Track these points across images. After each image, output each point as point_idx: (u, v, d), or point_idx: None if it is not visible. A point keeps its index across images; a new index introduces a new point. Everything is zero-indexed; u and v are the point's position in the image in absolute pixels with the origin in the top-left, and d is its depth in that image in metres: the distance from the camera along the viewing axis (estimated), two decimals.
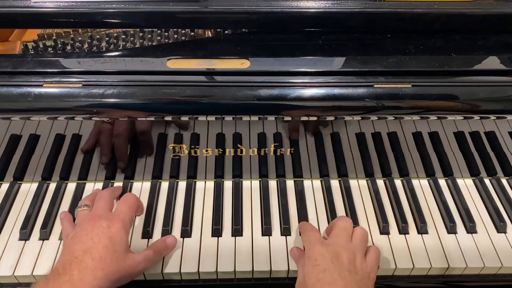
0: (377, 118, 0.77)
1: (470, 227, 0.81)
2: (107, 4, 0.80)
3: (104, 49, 0.87)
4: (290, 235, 0.79)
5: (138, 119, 0.76)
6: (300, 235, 0.77)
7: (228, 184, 0.88)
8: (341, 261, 0.66)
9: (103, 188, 0.86)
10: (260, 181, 0.88)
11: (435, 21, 0.84)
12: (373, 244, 0.78)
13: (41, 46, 0.87)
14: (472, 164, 0.88)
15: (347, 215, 0.83)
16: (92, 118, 0.75)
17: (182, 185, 0.87)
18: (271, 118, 0.77)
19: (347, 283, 0.63)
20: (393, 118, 0.77)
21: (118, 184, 0.87)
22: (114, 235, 0.68)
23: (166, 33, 0.90)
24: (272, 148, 0.84)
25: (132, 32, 0.90)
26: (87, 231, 0.68)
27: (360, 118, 0.77)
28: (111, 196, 0.77)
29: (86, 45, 0.87)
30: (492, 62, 0.80)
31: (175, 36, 0.90)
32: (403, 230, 0.80)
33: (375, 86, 0.74)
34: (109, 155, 0.83)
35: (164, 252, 0.74)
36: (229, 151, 0.84)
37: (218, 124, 0.81)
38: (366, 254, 0.70)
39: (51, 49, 0.87)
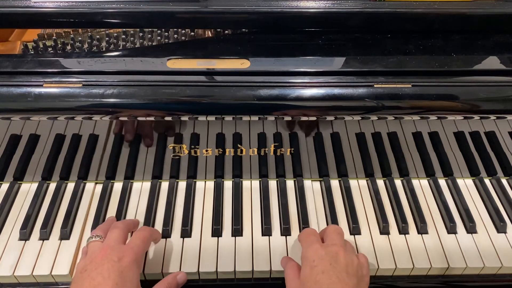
0: (377, 118, 0.77)
1: (470, 227, 0.81)
2: (107, 4, 0.80)
3: (104, 49, 0.87)
4: (290, 235, 0.79)
5: (138, 119, 0.76)
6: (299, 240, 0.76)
7: (228, 184, 0.88)
8: (340, 263, 0.65)
9: (103, 188, 0.86)
10: (260, 181, 0.88)
11: (435, 21, 0.84)
12: (373, 244, 0.78)
13: (41, 46, 0.87)
14: (472, 164, 0.88)
15: (347, 215, 0.83)
16: (92, 118, 0.75)
17: (182, 185, 0.87)
18: (271, 118, 0.77)
19: (345, 286, 0.62)
20: (393, 118, 0.77)
21: (118, 184, 0.87)
22: (125, 270, 0.63)
23: (166, 33, 0.90)
24: (272, 148, 0.84)
25: (132, 32, 0.90)
26: (97, 264, 0.63)
27: (360, 118, 0.77)
28: (126, 228, 0.72)
29: (86, 45, 0.87)
30: (492, 62, 0.80)
31: (175, 36, 0.90)
32: (403, 230, 0.80)
33: (375, 86, 0.74)
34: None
35: None
36: (229, 151, 0.84)
37: (218, 124, 0.81)
38: (358, 258, 0.70)
39: (51, 49, 0.87)
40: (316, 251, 0.67)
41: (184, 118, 0.76)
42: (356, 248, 0.77)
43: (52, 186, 0.86)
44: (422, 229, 0.80)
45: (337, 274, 0.63)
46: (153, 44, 0.89)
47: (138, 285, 0.65)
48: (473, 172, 0.89)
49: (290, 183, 0.88)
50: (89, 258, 0.66)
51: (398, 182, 0.89)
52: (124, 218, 0.82)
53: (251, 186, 0.88)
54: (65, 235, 0.78)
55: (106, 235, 0.70)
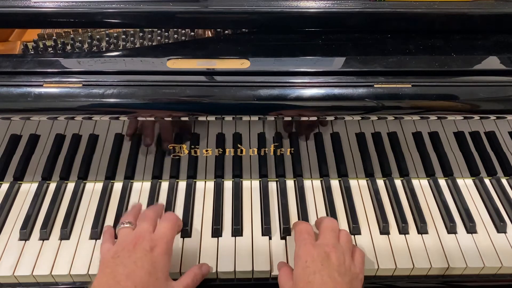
0: (377, 118, 0.77)
1: (470, 227, 0.81)
2: (107, 4, 0.80)
3: (104, 49, 0.87)
4: (290, 235, 0.79)
5: (138, 119, 0.76)
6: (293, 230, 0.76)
7: (228, 184, 0.88)
8: (331, 263, 0.66)
9: (103, 188, 0.86)
10: (260, 181, 0.88)
11: (435, 21, 0.84)
12: (373, 244, 0.78)
13: (41, 46, 0.87)
14: (472, 164, 0.88)
15: (347, 215, 0.83)
16: (92, 118, 0.75)
17: (182, 185, 0.87)
18: (271, 118, 0.77)
19: (337, 285, 0.63)
20: (393, 118, 0.77)
21: (118, 184, 0.87)
22: (157, 259, 0.65)
23: (166, 33, 0.90)
24: (272, 148, 0.84)
25: (132, 32, 0.90)
26: (129, 252, 0.65)
27: (360, 118, 0.77)
28: (155, 216, 0.73)
29: (86, 45, 0.87)
30: (492, 62, 0.80)
31: (175, 36, 0.90)
32: (403, 230, 0.80)
33: (375, 86, 0.74)
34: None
35: (200, 279, 0.71)
36: (229, 151, 0.84)
37: (218, 124, 0.81)
38: (352, 256, 0.70)
39: (51, 49, 0.87)
40: (308, 252, 0.67)
41: (184, 118, 0.76)
42: None
43: (52, 186, 0.86)
44: (422, 229, 0.80)
45: (329, 274, 0.64)
46: (153, 44, 0.89)
47: (167, 275, 0.67)
48: (473, 172, 0.89)
49: (290, 183, 0.88)
50: (121, 245, 0.67)
51: (398, 182, 0.89)
52: None
53: (251, 186, 0.88)
54: (65, 235, 0.78)
55: (135, 221, 0.72)
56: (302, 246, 0.69)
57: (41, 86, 0.72)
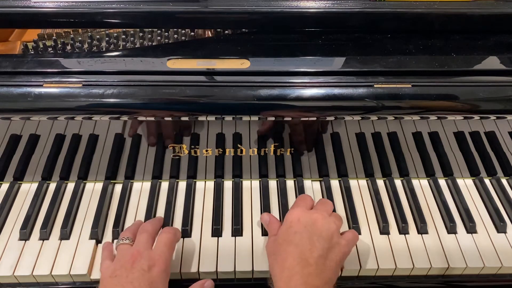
0: (377, 118, 0.77)
1: (470, 227, 0.81)
2: (107, 4, 0.79)
3: (104, 49, 0.87)
4: None
5: (138, 119, 0.76)
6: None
7: (228, 184, 0.88)
8: (314, 227, 0.68)
9: (103, 188, 0.86)
10: (260, 181, 0.88)
11: (435, 21, 0.84)
12: (373, 244, 0.78)
13: (41, 46, 0.87)
14: (472, 164, 0.88)
15: (347, 215, 0.83)
16: (92, 118, 0.75)
17: (182, 185, 0.87)
18: (271, 118, 0.77)
19: (312, 247, 0.65)
20: (393, 118, 0.77)
21: (118, 184, 0.87)
22: (155, 279, 0.65)
23: (166, 33, 0.90)
24: (272, 148, 0.84)
25: (132, 32, 0.90)
26: (127, 271, 0.64)
27: (360, 118, 0.77)
28: (154, 231, 0.73)
29: (86, 45, 0.87)
30: (492, 62, 0.80)
31: (175, 36, 0.90)
32: (403, 230, 0.80)
33: (375, 86, 0.74)
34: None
35: None
36: (229, 151, 0.84)
37: (218, 124, 0.81)
38: (343, 232, 0.73)
39: (51, 49, 0.87)
40: (296, 214, 0.71)
41: (184, 118, 0.76)
42: (356, 248, 0.77)
43: (52, 186, 0.86)
44: (422, 229, 0.80)
45: (309, 235, 0.67)
46: (153, 44, 0.89)
47: None
48: (473, 172, 0.89)
49: (290, 183, 0.88)
50: (119, 263, 0.67)
51: (398, 182, 0.89)
52: (124, 218, 0.82)
53: (251, 186, 0.88)
54: (65, 235, 0.78)
55: (135, 237, 0.71)
56: (292, 211, 0.72)
57: (41, 86, 0.72)
